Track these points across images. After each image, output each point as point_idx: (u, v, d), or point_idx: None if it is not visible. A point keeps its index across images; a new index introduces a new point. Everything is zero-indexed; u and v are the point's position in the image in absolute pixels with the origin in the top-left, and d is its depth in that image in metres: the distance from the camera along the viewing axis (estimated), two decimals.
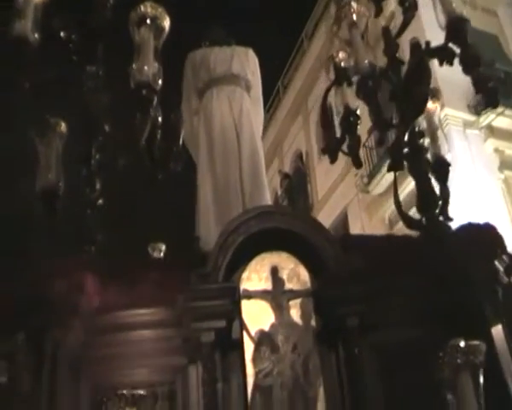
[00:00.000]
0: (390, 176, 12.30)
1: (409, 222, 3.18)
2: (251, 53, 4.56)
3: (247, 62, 4.47)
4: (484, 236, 2.65)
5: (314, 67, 16.42)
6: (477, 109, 11.92)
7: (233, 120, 4.18)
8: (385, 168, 12.22)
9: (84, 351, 2.37)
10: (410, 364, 2.41)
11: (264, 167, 4.22)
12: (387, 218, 12.36)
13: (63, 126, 3.22)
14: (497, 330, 2.51)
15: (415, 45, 3.01)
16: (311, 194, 16.03)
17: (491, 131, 12.10)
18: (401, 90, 3.03)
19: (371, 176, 12.88)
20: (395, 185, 3.44)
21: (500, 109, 11.94)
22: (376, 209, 12.83)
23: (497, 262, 2.59)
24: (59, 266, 2.38)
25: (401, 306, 2.53)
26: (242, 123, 4.19)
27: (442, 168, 3.24)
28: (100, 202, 2.83)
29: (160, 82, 2.88)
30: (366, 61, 2.99)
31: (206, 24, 4.91)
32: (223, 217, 3.63)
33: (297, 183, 16.56)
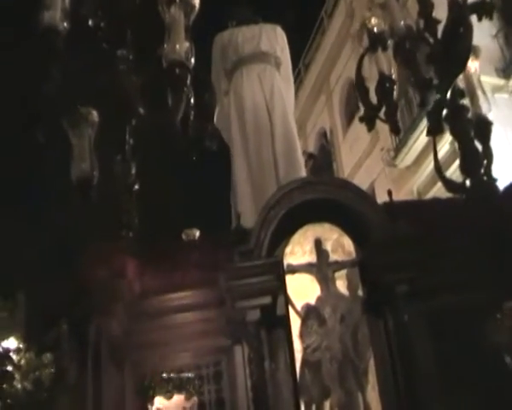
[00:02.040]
0: (417, 148, 12.19)
1: (451, 186, 3.08)
2: (279, 30, 4.47)
3: (276, 39, 4.39)
4: None
5: (335, 45, 16.18)
6: (505, 73, 11.64)
7: (264, 99, 4.11)
8: (411, 141, 12.15)
9: (128, 338, 2.33)
10: (462, 329, 2.34)
11: (298, 145, 4.14)
12: (416, 190, 12.16)
13: (94, 115, 3.17)
14: None
15: (453, 1, 2.88)
16: (336, 172, 15.84)
17: None
18: (440, 50, 2.91)
19: (398, 149, 12.66)
20: (435, 150, 3.34)
21: None
22: (404, 182, 12.62)
23: None
24: (98, 253, 2.33)
25: (451, 270, 2.44)
26: (274, 101, 4.11)
27: (484, 128, 3.13)
28: (136, 186, 2.78)
29: (192, 60, 2.81)
30: (402, 23, 2.88)
31: (230, 4, 4.83)
32: (257, 196, 3.58)
33: (322, 162, 16.40)
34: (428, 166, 11.74)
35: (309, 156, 16.74)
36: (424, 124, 11.38)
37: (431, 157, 11.39)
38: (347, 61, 15.39)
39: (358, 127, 15.41)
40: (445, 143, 11.45)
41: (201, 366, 2.25)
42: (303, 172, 3.96)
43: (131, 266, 2.34)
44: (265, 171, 3.86)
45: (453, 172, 10.81)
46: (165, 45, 2.73)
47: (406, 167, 12.42)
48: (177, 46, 2.71)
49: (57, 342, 2.23)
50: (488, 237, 2.48)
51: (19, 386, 2.35)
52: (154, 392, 2.00)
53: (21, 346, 2.46)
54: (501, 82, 11.43)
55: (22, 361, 2.40)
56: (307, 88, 17.55)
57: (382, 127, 13.90)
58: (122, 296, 2.28)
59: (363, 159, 14.37)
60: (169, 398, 2.00)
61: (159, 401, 2.00)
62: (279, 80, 4.28)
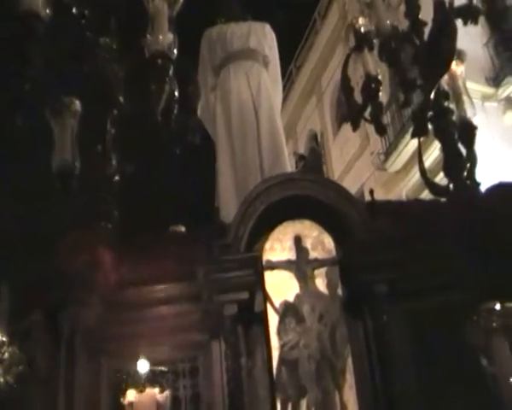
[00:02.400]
0: (407, 153, 12.21)
1: (435, 189, 3.07)
2: (268, 28, 4.45)
3: (265, 37, 4.37)
4: None
5: (327, 47, 16.20)
6: (495, 81, 11.71)
7: (251, 96, 4.09)
8: (401, 145, 12.18)
9: (102, 329, 2.29)
10: (440, 330, 2.32)
11: (284, 143, 4.12)
12: (405, 195, 12.20)
13: (77, 105, 3.14)
14: None
15: (439, 3, 2.88)
16: (327, 174, 15.85)
17: (510, 103, 11.86)
18: (425, 51, 2.91)
19: (388, 153, 12.70)
20: (419, 152, 3.33)
21: None
22: (393, 186, 12.66)
23: None
24: (75, 241, 2.30)
25: (430, 271, 2.43)
26: (261, 98, 4.09)
27: (468, 132, 3.12)
28: (116, 177, 2.74)
29: (175, 52, 2.79)
30: (388, 22, 2.87)
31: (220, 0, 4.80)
32: (241, 193, 3.55)
33: (312, 163, 16.40)
34: (418, 171, 11.77)
35: (299, 158, 16.80)
36: None
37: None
38: (339, 64, 15.30)
39: (349, 130, 15.32)
40: (435, 149, 11.53)
41: (177, 361, 2.21)
42: (287, 169, 3.94)
43: (109, 256, 2.31)
44: (250, 168, 3.84)
45: (442, 177, 10.91)
46: (148, 36, 2.71)
47: (396, 172, 12.46)
48: (160, 37, 2.68)
49: (28, 331, 2.18)
50: (467, 239, 2.47)
51: (1, 380, 2.30)
52: (126, 385, 1.96)
53: (4, 340, 2.42)
54: (490, 91, 11.50)
55: (5, 355, 2.35)
56: (298, 89, 17.56)
57: (373, 131, 13.92)
58: (98, 286, 2.24)
59: (353, 162, 14.41)
60: (141, 391, 1.96)
61: (131, 394, 1.96)
62: (266, 78, 4.25)
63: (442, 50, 2.83)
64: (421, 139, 3.26)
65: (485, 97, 11.53)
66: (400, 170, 12.23)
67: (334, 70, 15.78)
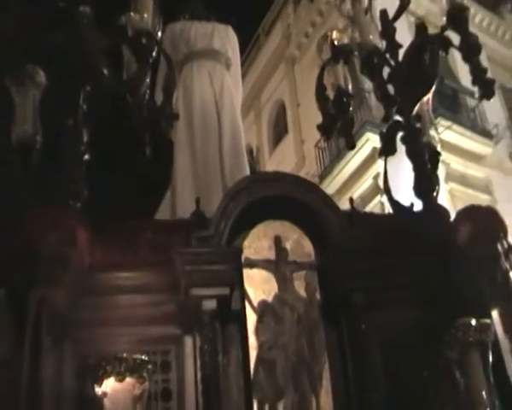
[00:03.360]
0: (341, 177, 12.38)
1: (398, 208, 3.10)
2: (231, 31, 4.42)
3: (228, 39, 4.34)
4: (486, 218, 2.60)
5: (269, 64, 16.38)
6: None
7: (214, 96, 4.02)
8: (336, 170, 12.40)
9: (72, 313, 2.13)
10: (415, 342, 2.32)
11: (243, 145, 4.08)
12: None
13: (41, 75, 2.95)
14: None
15: (419, 26, 2.94)
16: None
17: (439, 143, 12.36)
18: (403, 72, 2.95)
19: (323, 177, 12.91)
20: (385, 171, 3.35)
21: (448, 124, 12.30)
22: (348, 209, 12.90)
23: (498, 245, 2.54)
24: (48, 216, 2.13)
25: (406, 284, 2.44)
26: (223, 99, 4.03)
27: (433, 156, 3.20)
28: (86, 156, 2.58)
29: (159, 34, 2.69)
30: (370, 37, 2.89)
31: None
32: (201, 192, 3.46)
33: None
34: (352, 196, 12.03)
35: None
36: (350, 155, 11.73)
37: (354, 187, 11.71)
38: (280, 82, 15.64)
39: (285, 149, 15.68)
40: (368, 178, 11.87)
41: (149, 354, 2.07)
42: (247, 172, 3.89)
43: (83, 235, 2.16)
44: (211, 167, 3.76)
45: (374, 206, 11.22)
46: (132, 13, 2.60)
47: (330, 196, 12.66)
48: (145, 15, 2.58)
49: None
50: (441, 255, 2.50)
51: None
52: (104, 372, 1.82)
53: None
54: None
55: None
56: None
57: (309, 152, 14.19)
58: (71, 265, 2.08)
59: None
60: (121, 380, 1.83)
61: (107, 383, 1.82)
62: (229, 80, 4.21)
63: (424, 72, 2.88)
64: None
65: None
66: (334, 194, 12.46)
67: (274, 88, 15.97)
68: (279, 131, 15.84)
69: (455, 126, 12.59)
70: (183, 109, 3.97)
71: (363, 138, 10.94)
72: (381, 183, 10.21)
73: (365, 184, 11.53)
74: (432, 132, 3.43)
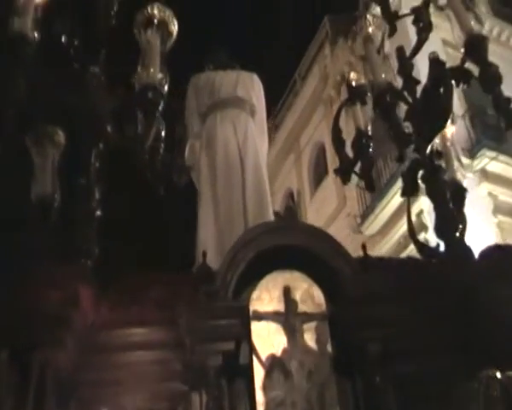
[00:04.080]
0: (383, 217, 12.24)
1: (423, 250, 2.99)
2: (255, 78, 4.43)
3: (252, 87, 4.34)
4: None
5: (307, 107, 16.46)
6: (471, 153, 11.97)
7: (237, 144, 4.02)
8: (378, 209, 12.25)
9: (76, 373, 2.11)
10: (435, 395, 2.20)
11: (268, 195, 4.05)
12: None
13: (61, 136, 3.03)
14: None
15: (435, 60, 2.87)
16: None
17: (485, 175, 12.11)
18: (420, 108, 2.88)
19: (364, 216, 12.78)
20: (408, 211, 3.26)
21: (493, 154, 12.02)
22: (369, 250, 12.66)
23: None
24: (51, 276, 2.14)
25: (425, 332, 2.32)
26: (247, 147, 4.02)
27: (458, 193, 3.08)
28: (98, 212, 2.61)
29: (166, 88, 2.72)
30: (383, 75, 2.85)
31: (208, 47, 4.81)
32: (224, 244, 3.44)
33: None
34: (394, 235, 11.86)
35: (275, 215, 16.80)
36: (392, 193, 11.58)
37: (397, 227, 11.50)
38: (318, 124, 15.67)
39: (326, 191, 15.64)
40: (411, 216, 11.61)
41: None
42: (271, 219, 3.84)
43: (87, 294, 2.15)
44: (234, 218, 3.74)
45: (411, 250, 10.95)
46: (139, 69, 2.64)
47: (372, 235, 12.50)
48: (151, 70, 2.62)
49: None
50: (463, 300, 2.38)
51: None
52: None
53: None
54: (466, 162, 11.72)
55: None
56: (276, 147, 17.73)
57: (350, 193, 14.11)
58: (73, 326, 2.07)
59: (330, 223, 14.45)
60: None
61: None
62: (253, 128, 4.20)
63: (439, 107, 2.81)
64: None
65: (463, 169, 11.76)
66: (376, 234, 12.27)
67: (313, 130, 16.02)
68: (319, 173, 15.81)
69: (501, 157, 12.28)
70: (205, 160, 3.99)
71: None
72: (424, 220, 10.02)
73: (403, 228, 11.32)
74: (459, 168, 3.33)
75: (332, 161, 14.92)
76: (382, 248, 11.84)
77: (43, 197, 2.84)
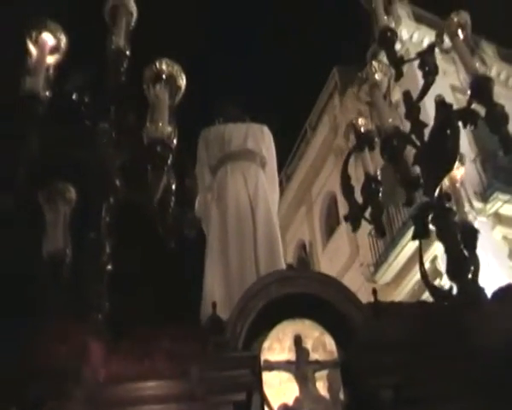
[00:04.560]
0: (397, 265, 12.14)
1: (437, 293, 2.97)
2: (266, 130, 4.48)
3: (262, 139, 4.39)
4: None
5: (318, 158, 16.57)
6: (483, 197, 11.94)
7: (248, 197, 4.04)
8: (391, 258, 12.17)
9: None
10: None
11: (280, 246, 4.05)
12: None
13: (72, 192, 3.09)
14: None
15: (441, 103, 2.91)
16: None
17: (499, 218, 12.05)
18: (427, 150, 2.91)
19: (377, 265, 12.69)
20: (420, 254, 3.25)
21: (506, 197, 11.97)
22: (384, 298, 12.52)
23: None
24: (61, 331, 2.14)
25: (439, 377, 2.28)
26: (258, 199, 4.04)
27: (470, 235, 3.07)
28: (109, 267, 2.63)
29: (174, 142, 2.76)
30: (390, 120, 2.88)
31: (218, 101, 4.89)
32: (234, 296, 3.43)
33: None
34: (408, 283, 11.75)
35: (288, 267, 16.73)
36: (405, 241, 11.53)
37: (411, 275, 11.40)
38: (330, 175, 15.73)
39: (338, 241, 15.61)
40: (425, 262, 11.53)
41: None
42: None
43: (96, 349, 2.15)
44: (246, 270, 3.73)
45: (426, 297, 10.85)
46: (148, 123, 2.70)
47: (386, 284, 12.40)
48: (160, 124, 2.67)
49: None
50: (475, 345, 2.34)
51: None
52: None
53: None
54: (479, 205, 11.69)
55: None
56: (288, 198, 17.78)
57: (362, 242, 14.02)
58: (82, 380, 2.06)
59: (343, 273, 14.35)
60: None
61: None
62: (263, 179, 4.24)
63: (446, 149, 2.83)
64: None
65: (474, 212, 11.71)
66: (390, 282, 12.17)
67: (324, 180, 16.08)
68: (331, 223, 15.80)
69: None
70: (216, 212, 4.01)
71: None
72: (438, 265, 9.92)
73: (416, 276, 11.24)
74: (470, 211, 3.33)
75: (344, 211, 14.88)
76: (397, 297, 11.71)
77: (54, 253, 2.88)
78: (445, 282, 3.16)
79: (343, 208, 14.96)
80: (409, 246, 11.52)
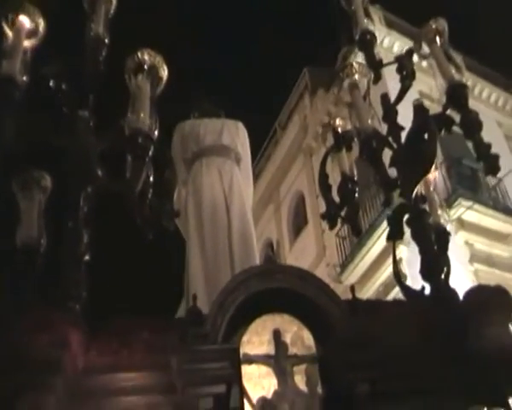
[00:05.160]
0: (363, 266, 12.30)
1: (409, 293, 3.02)
2: (240, 125, 4.51)
3: (237, 134, 4.41)
4: (496, 299, 2.51)
5: (287, 157, 16.66)
6: (448, 202, 12.17)
7: (223, 192, 4.06)
8: (357, 259, 12.32)
9: None
10: None
11: (255, 241, 4.08)
12: None
13: (47, 180, 3.05)
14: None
15: (418, 107, 2.97)
16: None
17: (462, 224, 12.30)
18: (403, 155, 2.96)
19: (344, 266, 12.83)
20: (394, 254, 3.31)
21: (469, 203, 12.24)
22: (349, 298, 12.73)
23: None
24: (40, 320, 2.11)
25: (414, 373, 2.33)
26: (233, 195, 4.07)
27: (442, 237, 3.14)
28: (87, 257, 2.60)
29: (156, 133, 2.75)
30: (369, 122, 2.93)
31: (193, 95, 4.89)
32: (211, 289, 3.45)
33: None
34: (373, 284, 11.92)
35: (266, 259, 16.74)
36: (371, 242, 11.68)
37: (376, 276, 11.56)
38: (298, 174, 15.84)
39: (305, 240, 15.73)
40: (391, 265, 11.72)
41: None
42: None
43: (76, 338, 2.13)
44: (221, 264, 3.76)
45: (398, 292, 11.07)
46: (129, 114, 2.69)
47: (351, 284, 12.52)
48: (142, 115, 2.67)
49: None
50: (450, 341, 2.41)
51: None
52: None
53: None
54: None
55: None
56: (256, 197, 17.72)
57: (329, 243, 14.13)
58: (63, 370, 2.04)
59: None
60: None
61: None
62: (238, 175, 4.26)
63: (423, 152, 2.89)
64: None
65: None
66: (356, 283, 12.31)
67: (293, 179, 16.16)
68: (299, 222, 15.91)
69: (476, 206, 12.53)
70: (192, 206, 4.02)
71: (384, 224, 10.89)
72: (403, 268, 10.09)
73: (388, 270, 11.41)
74: (442, 214, 3.40)
75: (311, 211, 15.05)
76: (363, 297, 11.88)
77: (28, 242, 2.84)
78: (409, 284, 3.22)
79: (311, 208, 15.09)
80: (375, 248, 11.69)
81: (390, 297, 10.60)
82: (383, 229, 10.92)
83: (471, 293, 2.64)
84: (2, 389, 2.00)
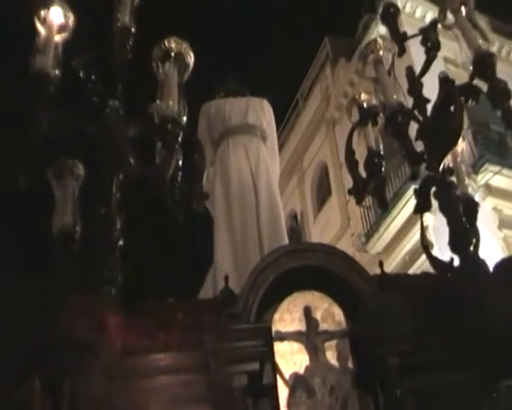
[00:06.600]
0: (388, 235, 12.24)
1: (438, 265, 3.04)
2: (266, 103, 4.53)
3: (263, 112, 4.44)
4: None
5: (309, 128, 16.57)
6: (474, 169, 12.04)
7: (250, 170, 4.11)
8: (383, 228, 12.29)
9: (105, 399, 2.16)
10: (455, 407, 2.25)
11: (282, 218, 4.13)
12: None
13: (80, 168, 3.13)
14: None
15: (444, 79, 2.96)
16: None
17: (489, 189, 12.16)
18: (431, 126, 2.96)
19: (369, 235, 12.82)
20: (422, 226, 3.32)
21: (497, 168, 12.07)
22: (375, 268, 12.68)
23: None
24: (79, 305, 2.21)
25: (444, 346, 2.38)
26: (259, 172, 4.11)
27: (471, 208, 3.14)
28: (120, 242, 2.68)
29: (184, 119, 2.80)
30: (394, 97, 2.93)
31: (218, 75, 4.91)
32: (240, 268, 3.50)
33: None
34: (399, 253, 11.90)
35: (291, 229, 16.79)
36: (396, 211, 11.64)
37: (402, 245, 11.51)
38: (321, 145, 15.78)
39: (330, 211, 15.72)
40: (416, 233, 11.69)
41: None
42: (286, 243, 3.90)
43: (114, 322, 2.21)
44: (249, 244, 3.81)
45: (424, 260, 11.04)
46: (158, 101, 2.74)
47: (377, 254, 12.53)
48: (170, 102, 2.71)
49: (27, 402, 2.05)
50: (479, 313, 2.43)
51: None
52: None
53: None
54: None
55: None
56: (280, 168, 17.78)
57: (353, 213, 14.12)
58: (102, 353, 2.13)
59: (334, 243, 14.46)
60: None
61: None
62: (265, 153, 4.30)
63: (450, 124, 2.88)
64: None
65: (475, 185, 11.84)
66: (381, 252, 12.31)
67: (316, 151, 16.10)
68: (323, 193, 15.88)
69: (504, 171, 12.34)
70: (220, 186, 4.07)
71: (408, 193, 10.84)
72: (430, 236, 10.05)
73: (413, 239, 11.37)
74: (470, 184, 3.39)
75: (335, 182, 15.02)
76: (388, 267, 11.89)
77: (64, 229, 2.94)
78: (435, 252, 3.23)
79: (334, 178, 15.04)
80: (400, 216, 11.65)
81: (416, 266, 10.59)
82: (408, 197, 10.87)
83: (501, 264, 2.66)
84: (49, 371, 2.10)
